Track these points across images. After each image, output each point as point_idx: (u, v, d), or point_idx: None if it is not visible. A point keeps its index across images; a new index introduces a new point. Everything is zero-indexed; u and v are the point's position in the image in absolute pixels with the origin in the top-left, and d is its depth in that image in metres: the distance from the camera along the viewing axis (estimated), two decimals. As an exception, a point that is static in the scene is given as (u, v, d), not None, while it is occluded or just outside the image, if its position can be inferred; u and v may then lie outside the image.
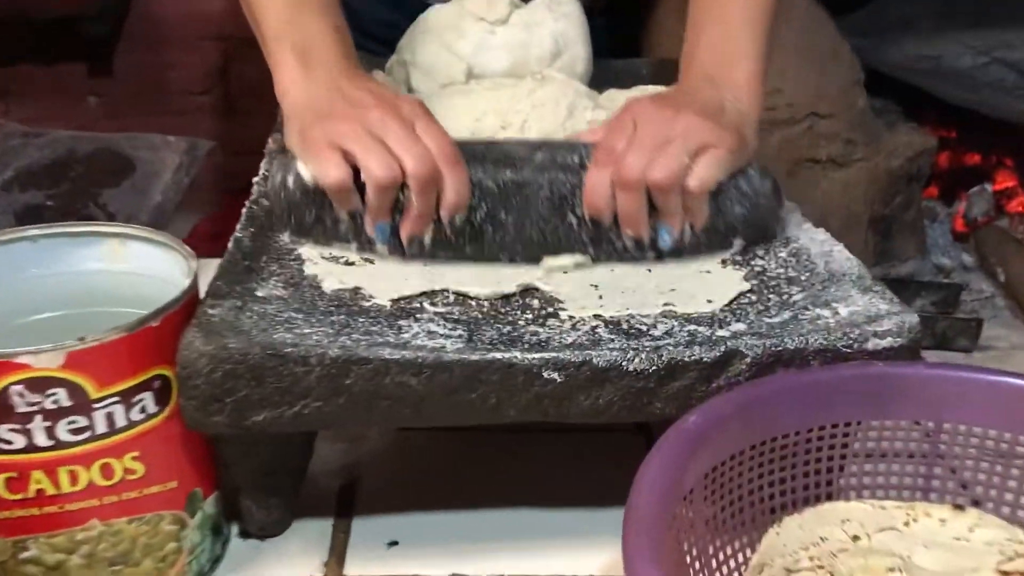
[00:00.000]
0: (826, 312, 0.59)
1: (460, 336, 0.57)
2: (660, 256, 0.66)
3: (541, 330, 0.58)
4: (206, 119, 1.66)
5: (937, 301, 1.00)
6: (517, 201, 0.65)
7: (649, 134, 0.64)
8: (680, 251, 0.66)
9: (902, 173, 1.04)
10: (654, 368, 0.55)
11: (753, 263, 0.66)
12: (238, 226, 0.68)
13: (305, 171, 0.63)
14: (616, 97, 0.85)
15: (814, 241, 0.68)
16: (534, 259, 0.65)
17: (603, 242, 0.65)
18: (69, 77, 1.62)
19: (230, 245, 0.65)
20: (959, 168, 1.30)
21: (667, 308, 0.60)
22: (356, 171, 0.62)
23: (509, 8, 0.87)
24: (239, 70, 1.60)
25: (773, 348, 0.56)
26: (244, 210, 0.70)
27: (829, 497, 0.53)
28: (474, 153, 0.66)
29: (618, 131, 0.65)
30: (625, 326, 0.58)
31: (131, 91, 1.64)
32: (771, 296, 0.62)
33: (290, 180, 0.64)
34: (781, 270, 0.65)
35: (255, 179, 0.75)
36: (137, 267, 0.64)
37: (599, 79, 0.90)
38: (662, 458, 0.45)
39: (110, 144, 1.07)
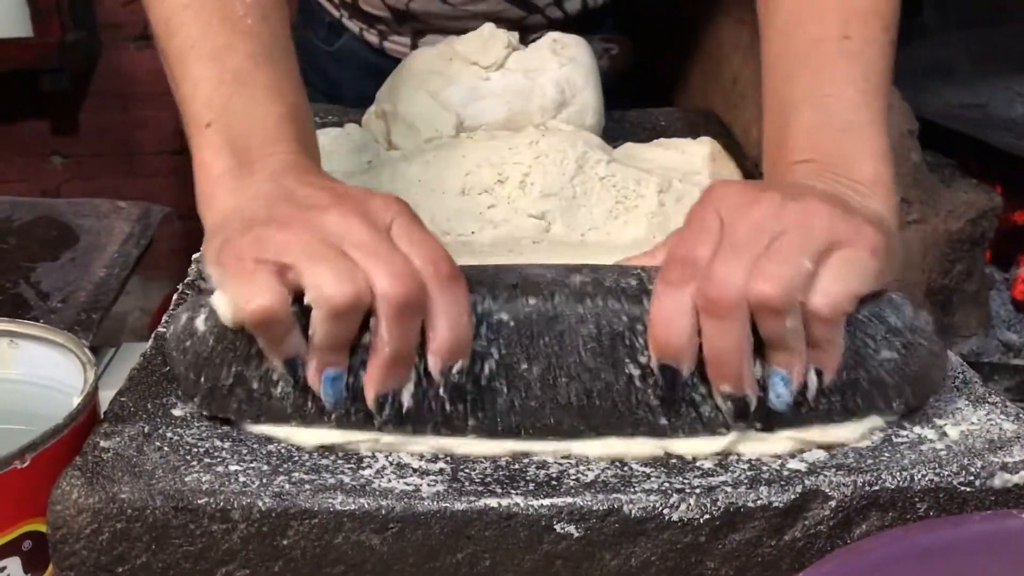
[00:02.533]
0: (930, 433, 0.45)
1: (441, 472, 0.42)
2: (769, 426, 0.44)
3: (550, 459, 0.43)
4: (179, 180, 1.53)
5: (1012, 387, 0.86)
6: (546, 343, 0.43)
7: (747, 230, 0.43)
8: (799, 417, 0.44)
9: (963, 236, 0.91)
10: (706, 517, 0.41)
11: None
12: (164, 318, 0.54)
13: (223, 303, 0.42)
14: (634, 152, 0.71)
15: (895, 330, 0.53)
16: (571, 435, 0.44)
17: (680, 406, 0.43)
18: (31, 135, 1.50)
19: (149, 343, 0.51)
20: (1011, 227, 1.16)
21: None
22: (299, 298, 0.41)
23: (506, 51, 0.75)
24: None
25: (867, 488, 0.41)
26: (175, 297, 0.56)
27: None
28: (479, 276, 0.44)
29: (697, 232, 0.44)
30: (662, 453, 0.44)
31: (98, 150, 1.52)
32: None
33: (199, 323, 0.44)
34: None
35: (195, 256, 0.61)
36: (29, 374, 0.51)
37: (612, 132, 0.77)
38: None
39: (51, 211, 0.94)
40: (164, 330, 0.52)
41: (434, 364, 0.41)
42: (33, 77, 1.38)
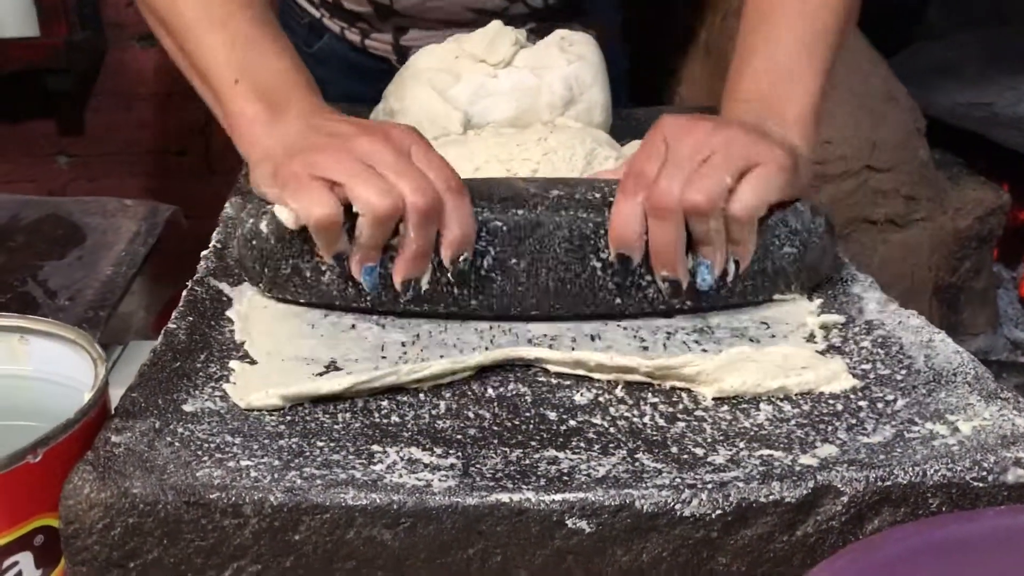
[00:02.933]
0: (942, 428, 0.45)
1: (452, 467, 0.42)
2: (698, 305, 0.56)
3: (562, 455, 0.43)
4: (184, 180, 1.53)
5: (1021, 384, 0.85)
6: (530, 243, 0.54)
7: (685, 152, 0.54)
8: (720, 296, 0.56)
9: (971, 234, 0.91)
10: (718, 512, 0.40)
11: (828, 355, 0.52)
12: (174, 314, 0.54)
13: (283, 213, 0.53)
14: (642, 149, 0.71)
15: (906, 327, 0.54)
16: (549, 314, 0.55)
17: (632, 289, 0.55)
18: (37, 135, 1.50)
19: (159, 340, 0.51)
20: (1019, 225, 1.16)
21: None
22: (345, 207, 0.52)
23: (513, 48, 0.74)
24: (219, 128, 1.48)
25: (879, 483, 0.41)
26: (184, 294, 0.56)
27: None
28: (478, 190, 0.55)
29: (647, 154, 0.55)
30: (675, 449, 0.44)
31: (104, 150, 1.52)
32: (861, 403, 0.47)
33: (263, 226, 0.54)
34: (868, 365, 0.51)
35: (204, 253, 0.61)
36: (39, 370, 0.50)
37: (620, 130, 0.77)
38: None
39: (58, 210, 0.94)
40: (174, 326, 0.52)
41: (446, 255, 0.52)
42: (39, 77, 1.38)
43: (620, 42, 0.96)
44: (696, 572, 0.42)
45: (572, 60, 0.75)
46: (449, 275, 0.53)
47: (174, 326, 0.52)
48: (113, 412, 0.44)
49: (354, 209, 0.51)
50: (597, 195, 0.56)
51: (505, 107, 0.73)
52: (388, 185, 0.51)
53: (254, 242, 0.55)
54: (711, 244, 0.53)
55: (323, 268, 0.54)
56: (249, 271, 0.56)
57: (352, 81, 0.84)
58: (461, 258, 0.53)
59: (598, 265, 0.54)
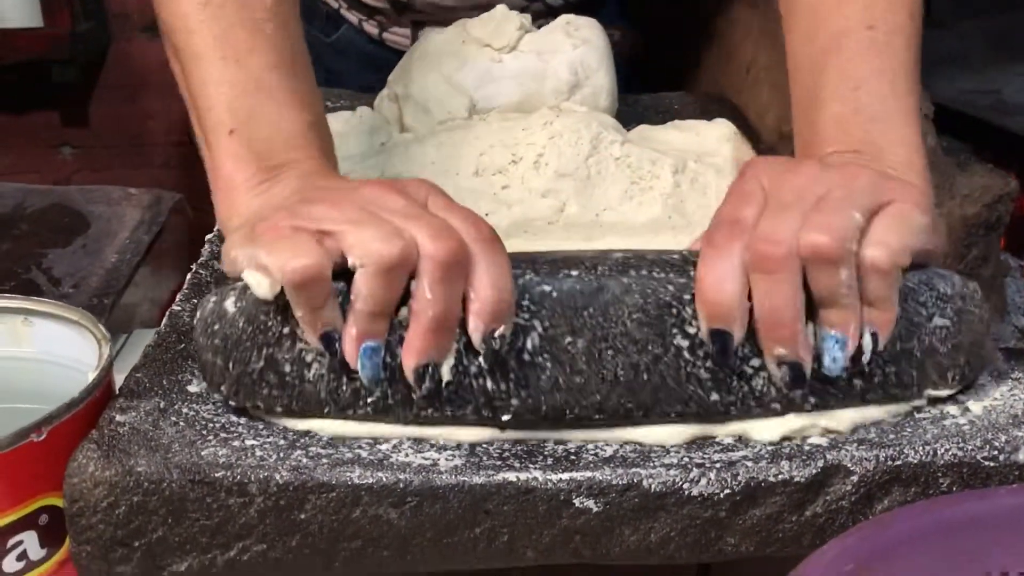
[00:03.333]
0: (952, 408, 0.44)
1: (459, 447, 0.42)
2: (826, 401, 0.42)
3: (569, 435, 0.43)
4: (190, 170, 1.53)
5: (1029, 372, 0.84)
6: (590, 316, 0.41)
7: (792, 193, 0.42)
8: (854, 389, 0.42)
9: (979, 221, 0.89)
10: (727, 492, 0.40)
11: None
12: (178, 297, 0.53)
13: (253, 277, 0.40)
14: (649, 134, 0.71)
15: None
16: (616, 418, 0.42)
17: (734, 379, 0.42)
18: (41, 126, 1.50)
19: (164, 321, 0.51)
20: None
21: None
22: (338, 272, 0.40)
23: (519, 32, 0.74)
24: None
25: (889, 462, 0.41)
26: (188, 276, 0.56)
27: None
28: (516, 255, 0.43)
29: (741, 198, 0.43)
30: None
31: (108, 141, 1.52)
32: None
33: (229, 304, 0.42)
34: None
35: (208, 236, 0.61)
36: (43, 352, 0.50)
37: (626, 116, 0.76)
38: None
39: (63, 198, 0.93)
40: (179, 308, 0.52)
41: (476, 328, 0.40)
42: (43, 68, 1.38)
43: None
44: (704, 552, 0.41)
45: (578, 45, 0.74)
46: (480, 360, 0.41)
47: (179, 308, 0.52)
48: (118, 392, 0.44)
49: (350, 262, 0.39)
50: (676, 256, 0.44)
51: (510, 92, 0.72)
52: (395, 229, 0.40)
53: (216, 326, 0.42)
54: (841, 307, 0.40)
55: (308, 358, 0.41)
56: (209, 368, 0.42)
57: (369, 73, 0.83)
58: (497, 333, 0.40)
59: (684, 344, 0.41)
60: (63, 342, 0.49)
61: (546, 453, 0.42)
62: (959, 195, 0.93)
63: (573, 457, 0.41)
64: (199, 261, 0.57)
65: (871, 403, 0.43)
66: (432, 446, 0.42)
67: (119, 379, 0.46)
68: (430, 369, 0.40)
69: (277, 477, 0.39)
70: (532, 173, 0.63)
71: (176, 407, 0.43)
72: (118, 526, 0.39)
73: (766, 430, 0.42)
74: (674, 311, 0.42)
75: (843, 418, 0.43)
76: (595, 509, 0.40)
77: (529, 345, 0.41)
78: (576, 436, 0.42)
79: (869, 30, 0.50)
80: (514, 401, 0.41)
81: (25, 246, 0.85)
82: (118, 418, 0.42)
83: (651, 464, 0.41)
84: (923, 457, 0.41)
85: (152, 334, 0.51)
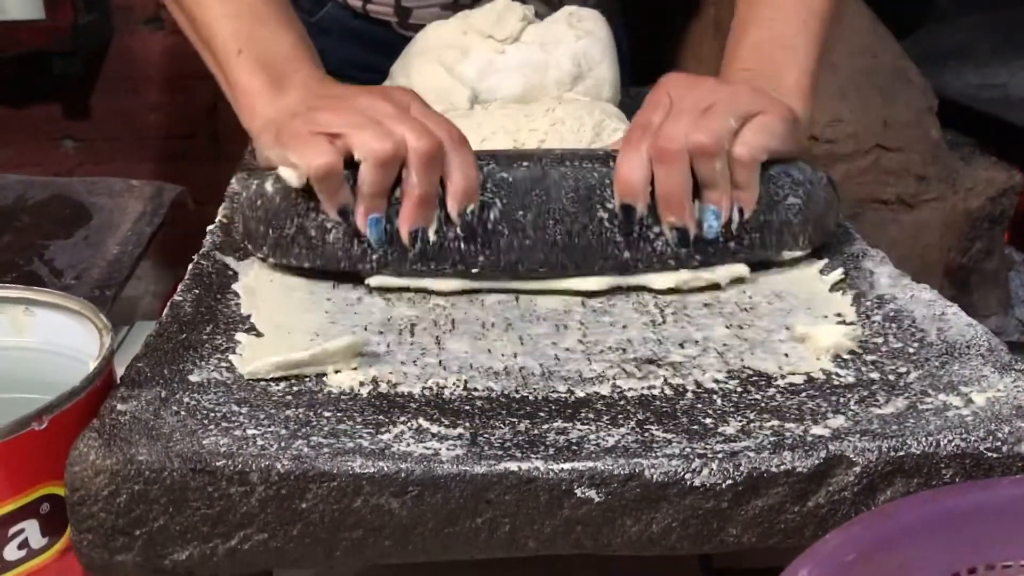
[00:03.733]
0: (955, 400, 0.44)
1: (460, 437, 0.42)
2: (707, 259, 0.55)
3: (570, 426, 0.43)
4: (191, 164, 1.53)
5: (1032, 365, 0.84)
6: (536, 195, 0.54)
7: (689, 103, 0.55)
8: (728, 249, 0.56)
9: (983, 215, 0.90)
10: (729, 482, 0.40)
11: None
12: (179, 287, 0.53)
13: (286, 172, 0.53)
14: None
15: (918, 301, 0.53)
16: (558, 271, 0.55)
17: (640, 242, 0.55)
18: (43, 119, 1.49)
19: (165, 312, 0.51)
20: (1030, 208, 1.15)
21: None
22: (347, 162, 0.53)
23: (522, 23, 0.74)
24: (227, 111, 1.47)
25: (891, 453, 0.41)
26: (190, 267, 0.56)
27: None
28: (480, 153, 0.56)
29: (652, 106, 0.56)
30: (685, 419, 0.43)
31: (110, 134, 1.51)
32: (873, 375, 0.47)
33: (268, 186, 0.55)
34: (879, 339, 0.50)
35: (210, 227, 0.61)
36: (44, 341, 0.50)
37: (628, 108, 0.76)
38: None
39: (65, 190, 0.93)
40: (180, 298, 0.52)
41: (452, 207, 0.53)
42: (45, 60, 1.37)
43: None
44: (706, 543, 0.41)
45: (580, 36, 0.74)
46: (457, 229, 0.53)
47: (180, 299, 0.52)
48: (119, 382, 0.44)
49: (355, 157, 0.52)
50: (600, 152, 0.57)
51: (513, 83, 0.72)
52: (388, 130, 0.52)
53: (259, 202, 0.55)
54: (716, 187, 0.54)
55: (328, 226, 0.54)
56: (253, 234, 0.55)
57: (354, 47, 0.84)
58: (468, 209, 0.53)
59: (605, 216, 0.54)
60: (64, 332, 0.49)
61: (548, 443, 0.41)
62: (963, 189, 0.93)
63: (575, 447, 0.41)
64: (200, 252, 0.57)
65: (742, 260, 0.56)
66: (434, 436, 0.42)
67: (120, 371, 0.46)
68: (420, 232, 0.53)
69: (278, 466, 0.39)
70: (534, 162, 0.63)
71: (177, 397, 0.43)
72: (119, 515, 0.39)
73: (663, 280, 0.55)
74: (597, 192, 0.54)
75: (720, 272, 0.55)
76: (596, 499, 0.40)
77: (491, 217, 0.54)
78: (527, 286, 0.55)
79: None
80: (480, 258, 0.54)
81: (27, 238, 0.85)
82: (119, 407, 0.42)
83: (653, 454, 0.40)
84: (926, 448, 0.41)
85: (153, 325, 0.51)
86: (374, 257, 0.54)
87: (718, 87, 0.57)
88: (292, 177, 0.53)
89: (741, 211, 0.55)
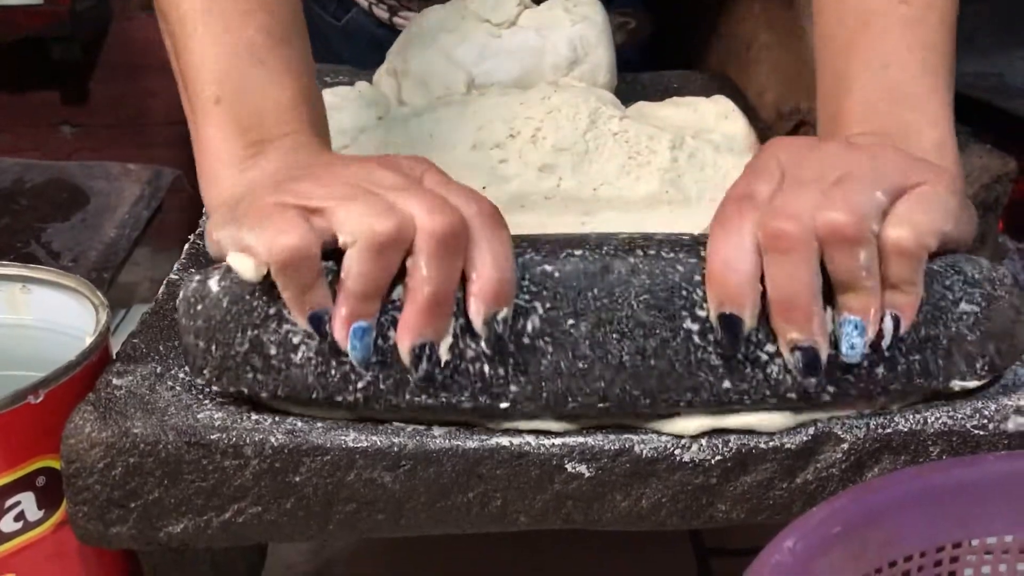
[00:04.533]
0: (944, 379, 0.44)
1: (452, 413, 0.42)
2: (844, 391, 0.40)
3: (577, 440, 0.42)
4: (189, 150, 1.53)
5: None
6: (595, 297, 0.39)
7: (811, 169, 0.40)
8: (875, 377, 0.40)
9: (977, 202, 0.89)
10: (718, 458, 0.40)
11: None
12: (175, 266, 0.54)
13: (238, 259, 0.38)
14: (647, 110, 0.71)
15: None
16: (622, 407, 0.40)
17: (747, 366, 0.39)
18: (41, 105, 1.50)
19: (161, 290, 0.51)
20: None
21: None
22: (327, 253, 0.38)
23: (518, 8, 0.74)
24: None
25: (879, 430, 0.41)
26: (186, 247, 0.56)
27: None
28: (516, 237, 0.41)
29: (756, 174, 0.41)
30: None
31: (108, 120, 1.52)
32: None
33: (213, 283, 0.40)
34: (870, 321, 0.50)
35: (205, 209, 0.61)
36: (41, 319, 0.51)
37: (624, 94, 0.76)
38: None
39: (63, 173, 0.94)
40: (176, 277, 0.52)
41: (476, 311, 0.38)
42: (43, 46, 1.38)
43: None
44: (695, 519, 0.42)
45: (577, 21, 0.74)
46: (483, 344, 0.38)
47: (176, 277, 0.52)
48: (114, 357, 0.45)
49: (339, 241, 0.38)
50: (686, 237, 0.42)
51: (509, 68, 0.72)
52: (388, 204, 0.38)
53: (199, 307, 0.40)
54: (860, 290, 0.38)
55: (294, 340, 0.39)
56: (191, 351, 0.40)
57: (377, 56, 0.83)
58: (499, 316, 0.38)
59: (695, 328, 0.39)
60: (61, 310, 0.50)
61: (539, 419, 0.42)
62: (957, 175, 0.93)
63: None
64: (197, 231, 0.57)
65: (892, 401, 0.41)
66: (426, 412, 0.42)
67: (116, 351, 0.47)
68: (427, 349, 0.38)
69: (272, 440, 0.39)
70: (530, 147, 0.63)
71: (173, 372, 0.44)
72: (114, 487, 0.39)
73: (780, 421, 0.40)
74: (684, 293, 0.39)
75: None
76: (587, 474, 0.40)
77: (529, 328, 0.39)
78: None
79: (902, 4, 0.47)
80: (513, 387, 0.39)
81: (24, 220, 0.86)
82: (115, 381, 0.42)
83: (643, 430, 0.41)
84: (913, 425, 0.41)
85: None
86: (359, 385, 0.39)
87: (850, 149, 0.41)
88: (247, 267, 0.38)
89: (896, 321, 0.39)
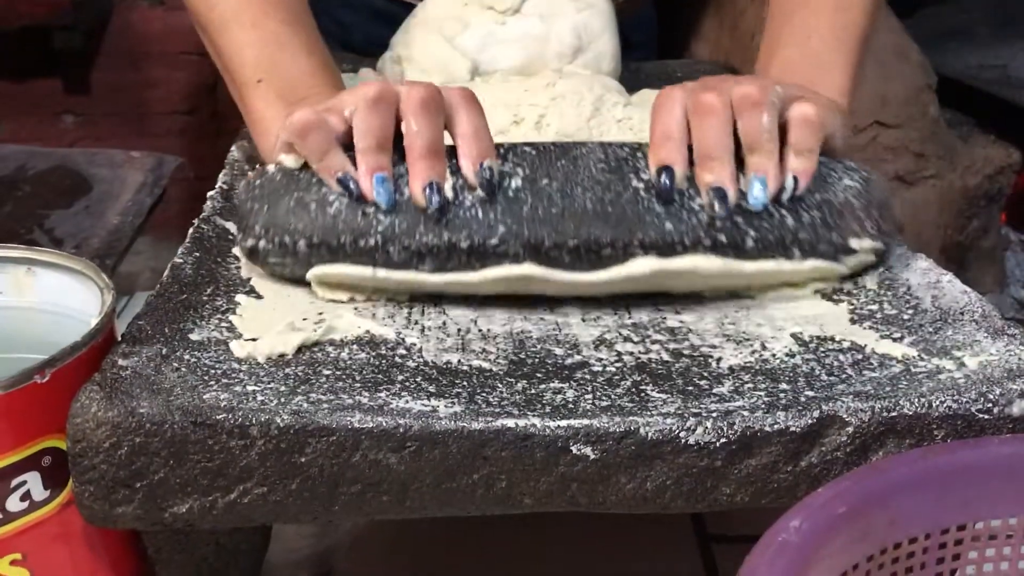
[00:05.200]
0: (948, 363, 0.44)
1: (458, 395, 0.42)
2: (762, 235, 0.48)
3: (566, 386, 0.43)
4: (192, 140, 1.53)
5: (1027, 342, 0.85)
6: (563, 164, 0.50)
7: (726, 82, 0.50)
8: (784, 223, 0.48)
9: (980, 193, 0.90)
10: (723, 441, 0.40)
11: (836, 296, 0.52)
12: (180, 250, 0.54)
13: (285, 156, 0.51)
14: (651, 98, 0.70)
15: (912, 269, 0.53)
16: (591, 243, 0.48)
17: (683, 212, 0.48)
18: (43, 94, 1.49)
19: (166, 273, 0.51)
20: (1027, 188, 1.15)
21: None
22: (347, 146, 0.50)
23: (522, -5, 0.74)
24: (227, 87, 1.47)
25: (884, 414, 0.41)
26: (191, 231, 0.56)
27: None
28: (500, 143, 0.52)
29: (675, 87, 0.51)
30: (680, 381, 0.44)
31: (110, 109, 1.51)
32: (867, 341, 0.47)
33: (271, 167, 0.52)
34: (874, 306, 0.51)
35: (210, 193, 0.61)
36: (46, 302, 0.51)
37: (628, 82, 0.76)
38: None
39: (66, 160, 0.94)
40: (180, 260, 0.52)
41: (467, 166, 0.48)
42: (45, 34, 1.37)
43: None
44: (700, 502, 0.42)
45: (581, 8, 0.74)
46: (477, 191, 0.48)
47: (180, 261, 0.52)
48: (120, 339, 0.45)
49: (344, 113, 0.49)
50: (631, 138, 0.54)
51: (513, 55, 0.72)
52: (380, 84, 0.49)
53: (258, 181, 0.51)
54: (763, 151, 0.48)
55: (330, 198, 0.48)
56: (246, 214, 0.50)
57: (378, 26, 0.83)
58: (485, 164, 0.48)
59: (640, 186, 0.49)
60: (66, 292, 0.50)
61: (544, 402, 0.42)
62: (960, 166, 0.93)
63: (571, 406, 0.42)
64: (201, 216, 0.58)
65: (806, 254, 0.49)
66: (432, 394, 0.42)
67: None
68: (434, 187, 0.47)
69: (278, 420, 0.39)
70: (534, 134, 0.63)
71: (178, 354, 0.44)
72: (120, 467, 0.39)
73: (719, 264, 0.48)
74: (629, 163, 0.50)
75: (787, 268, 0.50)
76: (592, 456, 0.40)
77: (513, 185, 0.49)
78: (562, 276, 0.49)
79: None
80: (501, 228, 0.47)
81: (27, 207, 0.86)
82: (121, 362, 0.42)
83: (648, 413, 0.41)
84: (918, 409, 0.41)
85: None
86: (379, 228, 0.47)
87: (753, 78, 0.53)
88: (288, 158, 0.50)
89: (796, 182, 0.48)
